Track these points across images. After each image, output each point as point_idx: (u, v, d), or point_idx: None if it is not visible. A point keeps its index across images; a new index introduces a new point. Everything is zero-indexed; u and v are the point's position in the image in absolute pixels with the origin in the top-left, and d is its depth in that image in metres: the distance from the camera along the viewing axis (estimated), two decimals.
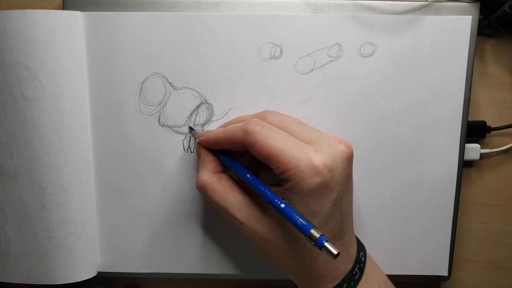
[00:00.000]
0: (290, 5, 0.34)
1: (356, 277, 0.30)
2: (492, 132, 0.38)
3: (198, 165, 0.33)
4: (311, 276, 0.29)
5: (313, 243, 0.25)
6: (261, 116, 0.31)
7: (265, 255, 0.31)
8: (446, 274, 0.37)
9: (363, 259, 0.31)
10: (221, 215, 0.37)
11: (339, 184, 0.27)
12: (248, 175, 0.29)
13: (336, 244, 0.29)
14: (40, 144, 0.34)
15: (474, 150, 0.37)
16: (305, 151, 0.27)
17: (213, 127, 0.35)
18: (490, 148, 0.38)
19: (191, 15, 0.34)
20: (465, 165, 0.38)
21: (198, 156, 0.33)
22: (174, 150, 0.35)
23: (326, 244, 0.24)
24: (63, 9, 0.34)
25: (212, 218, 0.37)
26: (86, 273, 0.36)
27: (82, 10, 0.34)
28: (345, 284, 0.29)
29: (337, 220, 0.29)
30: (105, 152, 0.35)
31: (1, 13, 0.32)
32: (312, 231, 0.25)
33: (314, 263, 0.29)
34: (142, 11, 0.34)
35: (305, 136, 0.29)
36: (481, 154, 0.38)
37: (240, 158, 0.34)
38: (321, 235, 0.25)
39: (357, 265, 0.30)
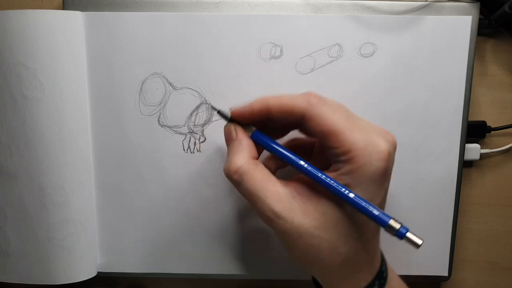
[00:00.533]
0: (290, 5, 0.34)
1: (384, 274, 0.29)
2: (492, 132, 0.38)
3: (228, 151, 0.28)
4: (347, 274, 0.28)
5: (394, 233, 0.23)
6: (316, 95, 0.28)
7: (297, 254, 0.27)
8: (446, 274, 0.37)
9: (383, 256, 0.30)
10: (222, 215, 0.36)
11: (391, 172, 0.27)
12: (302, 162, 0.26)
13: (378, 234, 0.28)
14: (40, 144, 0.34)
15: (474, 150, 0.37)
16: (370, 134, 0.25)
17: (213, 127, 0.35)
18: (490, 148, 0.38)
19: (191, 15, 0.34)
20: (465, 165, 0.38)
21: (231, 139, 0.28)
22: (174, 150, 0.35)
23: (409, 234, 0.22)
24: (63, 9, 0.34)
25: (212, 218, 0.36)
26: (86, 273, 0.36)
27: (82, 10, 0.34)
28: (377, 282, 0.28)
29: (383, 207, 0.28)
30: (105, 152, 0.35)
31: (1, 13, 0.32)
32: (392, 221, 0.23)
33: (356, 260, 0.27)
34: (142, 11, 0.34)
35: (360, 122, 0.27)
36: (481, 154, 0.38)
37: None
38: (401, 225, 0.23)
39: (383, 263, 0.29)
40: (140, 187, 0.36)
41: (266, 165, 0.29)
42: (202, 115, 0.35)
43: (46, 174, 0.34)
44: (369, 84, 0.34)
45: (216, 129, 0.35)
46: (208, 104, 0.35)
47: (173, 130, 0.35)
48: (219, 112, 0.29)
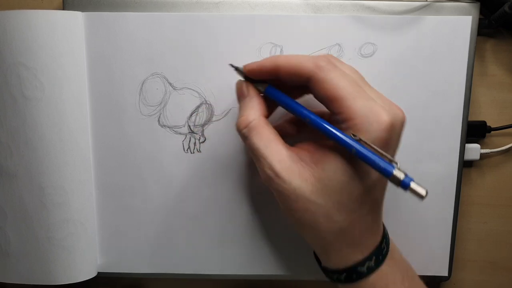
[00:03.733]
0: (290, 5, 0.34)
1: (384, 251, 0.29)
2: (492, 132, 0.38)
3: (240, 107, 0.29)
4: (343, 245, 0.28)
5: (398, 184, 0.23)
6: (326, 59, 0.28)
7: (296, 216, 0.28)
8: (446, 274, 0.37)
9: (388, 236, 0.30)
10: (222, 215, 0.36)
11: (394, 145, 0.27)
12: (310, 114, 0.27)
13: (378, 211, 0.28)
14: (40, 144, 0.34)
15: (474, 150, 0.37)
16: (374, 104, 0.25)
17: (213, 127, 0.35)
18: (490, 148, 0.38)
19: (191, 15, 0.34)
20: (465, 165, 0.38)
21: (242, 96, 0.29)
22: (174, 150, 0.35)
23: (412, 184, 0.22)
24: (63, 9, 0.34)
25: (212, 218, 0.36)
26: (86, 273, 0.36)
27: (82, 10, 0.34)
28: (374, 257, 0.28)
29: (383, 184, 0.28)
30: (105, 152, 0.35)
31: (1, 13, 0.32)
32: (396, 171, 0.23)
33: (353, 230, 0.27)
34: (142, 11, 0.34)
35: (368, 91, 0.27)
36: (481, 154, 0.38)
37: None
38: (406, 175, 0.23)
39: (385, 239, 0.29)
40: (140, 187, 0.36)
41: (280, 127, 0.31)
42: (202, 115, 0.35)
43: (46, 174, 0.34)
44: None
45: (216, 129, 0.35)
46: (208, 104, 0.35)
47: (173, 130, 0.35)
48: (236, 69, 0.30)
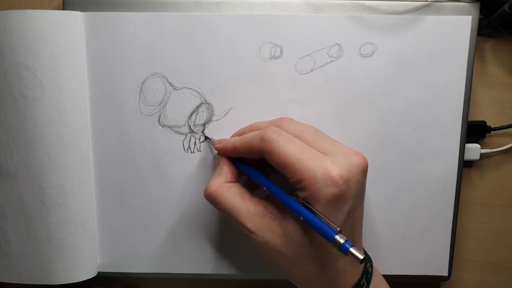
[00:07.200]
0: (290, 5, 0.34)
1: (363, 287, 0.30)
2: (492, 132, 0.38)
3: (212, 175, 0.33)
4: (319, 287, 0.30)
5: (338, 248, 0.25)
6: (277, 124, 0.31)
7: (273, 265, 0.31)
8: (446, 274, 0.37)
9: (370, 270, 0.31)
10: (222, 215, 0.37)
11: (353, 195, 0.27)
12: (269, 184, 0.29)
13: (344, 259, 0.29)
14: (40, 144, 0.34)
15: (474, 150, 0.37)
16: (321, 161, 0.27)
17: (213, 127, 0.35)
18: (490, 148, 0.38)
19: (191, 15, 0.34)
20: (465, 165, 0.38)
21: (216, 165, 0.33)
22: (174, 150, 0.35)
23: (351, 249, 0.25)
24: (63, 9, 0.34)
25: (212, 218, 0.36)
26: (86, 273, 0.36)
27: (82, 10, 0.34)
28: None
29: (349, 232, 0.29)
30: (105, 152, 0.35)
31: (1, 13, 0.32)
32: (337, 237, 0.25)
33: (326, 274, 0.29)
34: (142, 11, 0.34)
35: (320, 146, 0.29)
36: (481, 154, 0.38)
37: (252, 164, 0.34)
38: (346, 241, 0.25)
39: (364, 276, 0.30)
40: (140, 187, 0.36)
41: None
42: (202, 115, 0.35)
43: (46, 174, 0.34)
44: (369, 84, 0.34)
45: (217, 128, 0.35)
46: (208, 103, 0.35)
47: (173, 130, 0.35)
48: (207, 139, 0.35)
